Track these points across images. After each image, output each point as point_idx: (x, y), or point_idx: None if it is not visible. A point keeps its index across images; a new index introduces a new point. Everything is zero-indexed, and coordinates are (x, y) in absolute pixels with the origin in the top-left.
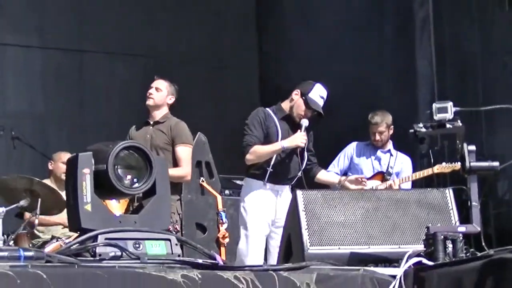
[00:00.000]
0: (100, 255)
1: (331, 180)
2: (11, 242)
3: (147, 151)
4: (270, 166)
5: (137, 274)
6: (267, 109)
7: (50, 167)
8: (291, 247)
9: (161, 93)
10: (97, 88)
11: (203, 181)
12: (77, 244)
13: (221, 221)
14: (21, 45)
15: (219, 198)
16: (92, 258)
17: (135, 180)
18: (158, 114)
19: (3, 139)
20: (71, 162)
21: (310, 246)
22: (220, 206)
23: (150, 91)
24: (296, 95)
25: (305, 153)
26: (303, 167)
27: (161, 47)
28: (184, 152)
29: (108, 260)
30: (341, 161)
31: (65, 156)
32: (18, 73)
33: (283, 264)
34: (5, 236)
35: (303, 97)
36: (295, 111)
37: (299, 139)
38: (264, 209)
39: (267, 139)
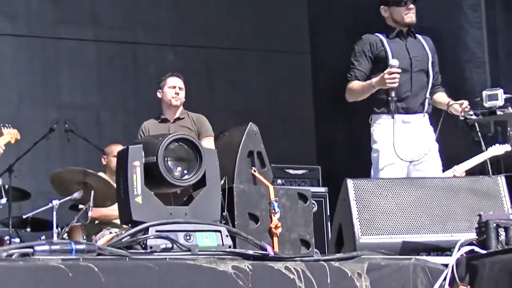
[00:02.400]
0: (151, 247)
1: (444, 101)
2: (65, 235)
3: (197, 142)
4: (392, 94)
5: (188, 266)
6: (378, 34)
7: (103, 161)
8: (342, 236)
9: (183, 91)
10: (151, 79)
11: (255, 171)
12: (128, 237)
13: (273, 211)
14: (74, 38)
15: (271, 188)
16: (143, 251)
17: (185, 171)
18: (178, 111)
19: (57, 132)
20: (122, 155)
21: (361, 235)
22: (272, 196)
23: (176, 91)
24: (382, 8)
25: (430, 71)
26: (430, 89)
27: (212, 35)
28: (211, 144)
29: (159, 252)
30: None
31: (117, 148)
32: (72, 66)
33: (334, 254)
34: (59, 228)
35: (387, 2)
36: (395, 21)
37: (384, 81)
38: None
39: (380, 64)
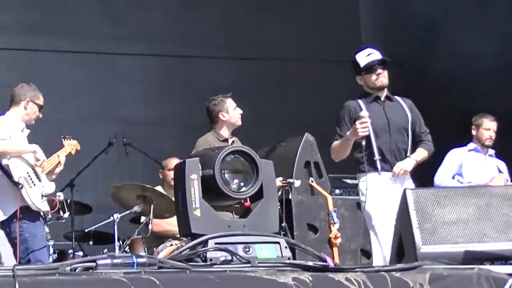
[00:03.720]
0: (211, 259)
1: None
2: (127, 248)
3: (253, 154)
4: (376, 155)
5: (248, 278)
6: (357, 99)
7: (160, 175)
8: (403, 247)
9: None
10: (207, 93)
11: (312, 181)
12: (188, 250)
13: (332, 221)
14: (131, 54)
15: (329, 198)
16: (203, 263)
17: (242, 184)
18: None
19: (115, 147)
20: (179, 168)
21: (422, 245)
22: (330, 206)
23: (239, 111)
24: (358, 77)
25: (409, 130)
26: (410, 146)
27: (267, 47)
28: None
29: (219, 265)
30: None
31: (173, 162)
32: (129, 81)
33: (395, 264)
34: (121, 241)
35: (359, 72)
36: (369, 87)
37: (356, 131)
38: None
39: None
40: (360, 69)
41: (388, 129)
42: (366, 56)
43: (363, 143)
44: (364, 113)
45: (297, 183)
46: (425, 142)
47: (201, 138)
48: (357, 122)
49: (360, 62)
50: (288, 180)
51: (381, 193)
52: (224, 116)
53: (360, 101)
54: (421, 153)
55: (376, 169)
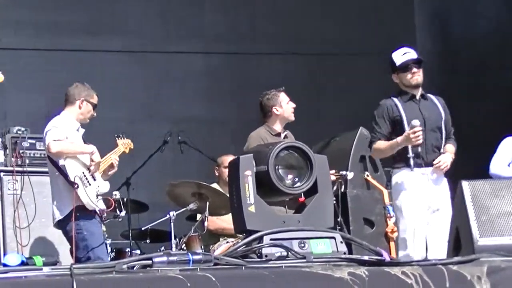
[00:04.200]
0: (266, 255)
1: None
2: (183, 245)
3: (307, 150)
4: (409, 152)
5: (304, 273)
6: (393, 98)
7: (216, 172)
8: (460, 240)
9: None
10: (260, 89)
11: (368, 175)
12: (243, 246)
13: (388, 215)
14: (184, 52)
15: (385, 192)
16: (258, 259)
17: (296, 179)
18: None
19: (170, 144)
20: (233, 165)
21: (479, 237)
22: (386, 200)
23: (292, 106)
24: (393, 76)
25: (443, 129)
26: (443, 144)
27: (319, 42)
28: None
29: (274, 261)
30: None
31: (228, 159)
32: (182, 79)
33: (452, 257)
34: (177, 239)
35: (395, 70)
36: (404, 85)
37: (410, 139)
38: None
39: (396, 127)
40: (396, 68)
41: (424, 128)
42: (402, 55)
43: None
44: (416, 122)
45: (350, 175)
46: (453, 140)
47: (253, 132)
48: (410, 131)
49: (396, 61)
50: (341, 172)
51: (413, 189)
52: (277, 110)
53: (395, 100)
54: (453, 150)
55: (409, 166)
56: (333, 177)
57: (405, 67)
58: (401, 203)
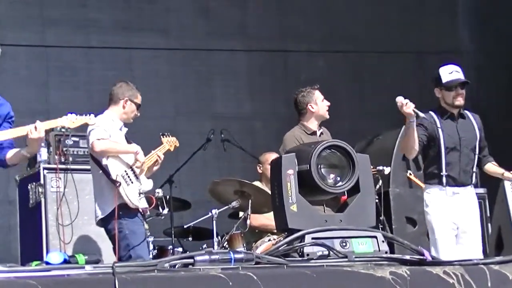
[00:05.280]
0: (307, 254)
1: (497, 171)
2: (225, 243)
3: (349, 149)
4: (443, 170)
5: (345, 273)
6: (431, 112)
7: (259, 170)
8: (502, 239)
9: None
10: (301, 86)
11: (410, 174)
12: (285, 245)
13: None
14: (226, 49)
15: None
16: (300, 258)
17: (338, 178)
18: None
19: (212, 142)
20: (275, 164)
21: None
22: None
23: (327, 104)
24: (436, 90)
25: (477, 148)
26: (475, 163)
27: (359, 40)
28: None
29: (316, 260)
30: None
31: (272, 157)
32: (224, 77)
33: (494, 257)
34: (219, 237)
35: (439, 86)
36: (446, 103)
37: (405, 110)
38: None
39: (433, 143)
40: (441, 84)
41: (459, 147)
42: (449, 73)
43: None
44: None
45: (387, 170)
46: (491, 157)
47: (288, 132)
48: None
49: (442, 78)
50: (377, 167)
51: (444, 207)
52: (312, 108)
53: (433, 114)
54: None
55: (441, 183)
56: None
57: (450, 86)
58: (432, 220)
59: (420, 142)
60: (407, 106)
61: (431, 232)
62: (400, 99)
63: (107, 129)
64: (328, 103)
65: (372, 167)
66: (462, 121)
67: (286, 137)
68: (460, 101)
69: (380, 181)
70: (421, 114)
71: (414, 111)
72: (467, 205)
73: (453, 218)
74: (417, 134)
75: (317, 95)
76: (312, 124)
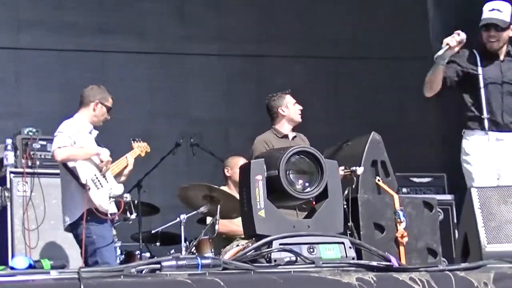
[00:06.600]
0: (275, 260)
1: None
2: (193, 248)
3: (318, 155)
4: (484, 112)
5: (312, 278)
6: (474, 50)
7: (227, 173)
8: (468, 246)
9: None
10: (277, 91)
11: (379, 180)
12: (253, 251)
13: (399, 220)
14: (202, 53)
15: (396, 197)
16: (267, 264)
17: (307, 184)
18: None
19: (183, 147)
20: (244, 169)
21: (487, 244)
22: (397, 205)
23: (299, 107)
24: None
25: None
26: None
27: (336, 45)
28: None
29: (283, 266)
30: None
31: (240, 160)
32: (199, 81)
33: (460, 263)
34: (188, 242)
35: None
36: (486, 44)
37: (447, 39)
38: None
39: (471, 82)
40: (480, 25)
41: (502, 89)
42: (488, 11)
43: (469, 99)
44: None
45: (360, 170)
46: None
47: (258, 136)
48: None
49: (482, 15)
50: (351, 168)
51: (486, 155)
52: (283, 111)
53: (475, 52)
54: None
55: (483, 128)
56: (340, 173)
57: (483, 26)
58: (472, 170)
59: (449, 79)
60: (452, 39)
61: (469, 182)
62: (458, 32)
63: (72, 135)
64: (300, 107)
65: (345, 167)
66: (509, 61)
67: (255, 141)
68: (491, 45)
69: (349, 187)
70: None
71: (448, 45)
72: None
73: (496, 167)
74: (447, 72)
75: (288, 99)
76: (284, 127)
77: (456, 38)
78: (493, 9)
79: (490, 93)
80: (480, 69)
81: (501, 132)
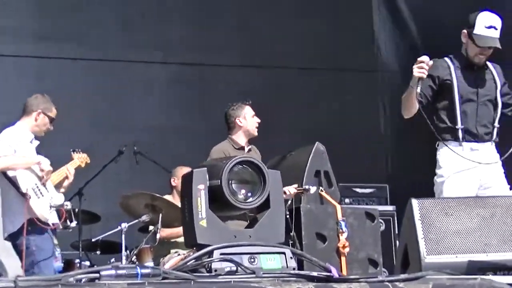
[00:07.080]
0: (215, 270)
1: None
2: (134, 257)
3: (261, 165)
4: (458, 123)
5: None
6: (447, 58)
7: (173, 183)
8: (408, 257)
9: None
10: (218, 100)
11: (322, 190)
12: (193, 260)
13: (341, 230)
14: (143, 61)
15: (338, 207)
16: (208, 274)
17: (249, 194)
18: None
19: (126, 155)
20: (186, 178)
21: (426, 255)
22: (339, 215)
23: (257, 120)
24: (464, 36)
25: (499, 100)
26: (498, 117)
27: (279, 55)
28: None
29: (223, 276)
30: None
31: (185, 170)
32: (141, 89)
33: (400, 274)
34: (128, 251)
35: (469, 32)
36: (467, 51)
37: (414, 70)
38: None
39: (445, 92)
40: (471, 32)
41: (476, 99)
42: (485, 27)
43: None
44: (424, 58)
45: (313, 189)
46: None
47: (216, 146)
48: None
49: (476, 27)
50: (304, 187)
51: (461, 165)
52: (240, 122)
53: (448, 61)
54: None
55: (457, 139)
56: (293, 190)
57: (485, 48)
58: (444, 188)
59: (425, 97)
60: (420, 70)
61: (439, 195)
62: (423, 58)
63: (12, 144)
64: (259, 120)
65: (297, 185)
66: (482, 71)
67: (213, 151)
68: (481, 60)
69: (292, 197)
70: (418, 90)
71: (420, 78)
72: (488, 162)
73: (472, 178)
74: (421, 89)
75: (247, 110)
76: (240, 139)
77: (425, 66)
78: (490, 27)
79: (464, 103)
80: (454, 79)
81: (476, 142)
